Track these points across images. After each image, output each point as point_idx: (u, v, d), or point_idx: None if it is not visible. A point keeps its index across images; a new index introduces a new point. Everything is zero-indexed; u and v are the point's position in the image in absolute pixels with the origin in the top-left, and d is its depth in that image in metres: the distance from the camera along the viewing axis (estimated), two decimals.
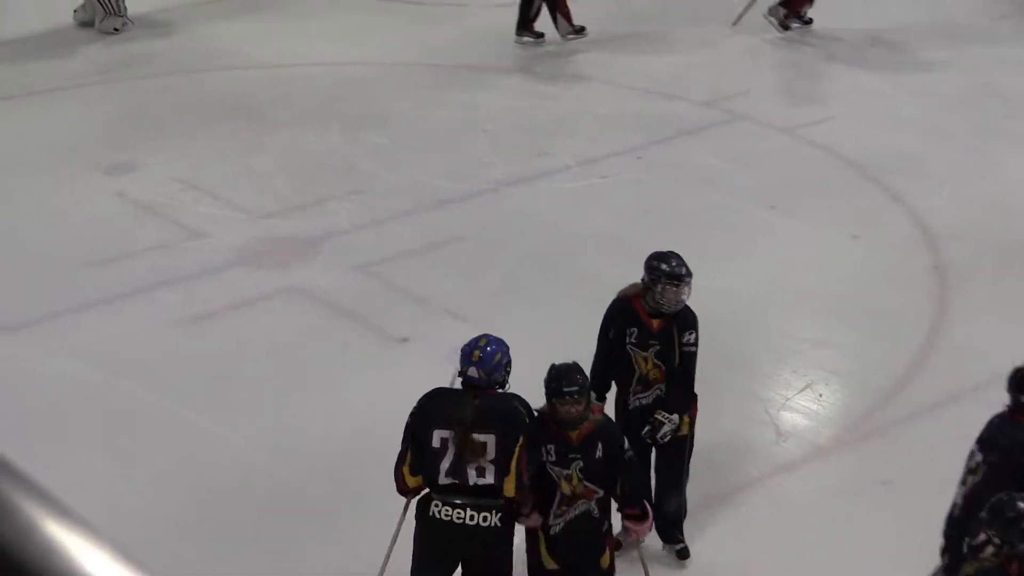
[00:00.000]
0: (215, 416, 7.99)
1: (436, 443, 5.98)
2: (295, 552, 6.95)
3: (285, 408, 8.12)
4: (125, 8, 13.99)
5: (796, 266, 9.51)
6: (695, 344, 6.66)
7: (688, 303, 6.67)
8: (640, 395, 6.72)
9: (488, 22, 14.28)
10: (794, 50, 13.57)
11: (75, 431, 7.87)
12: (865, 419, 8.10)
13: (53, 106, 12.46)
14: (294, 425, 7.95)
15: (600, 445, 6.07)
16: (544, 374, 6.08)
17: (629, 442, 6.23)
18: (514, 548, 6.13)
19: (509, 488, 5.95)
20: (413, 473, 6.04)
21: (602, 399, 6.67)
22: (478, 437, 5.95)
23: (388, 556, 6.28)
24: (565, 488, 6.08)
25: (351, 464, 7.52)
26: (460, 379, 6.16)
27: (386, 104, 12.35)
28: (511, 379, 6.14)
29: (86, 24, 14.01)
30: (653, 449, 6.76)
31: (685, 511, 6.94)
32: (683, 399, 6.72)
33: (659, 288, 6.54)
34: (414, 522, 6.11)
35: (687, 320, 6.65)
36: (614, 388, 6.85)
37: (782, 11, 13.58)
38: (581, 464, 6.04)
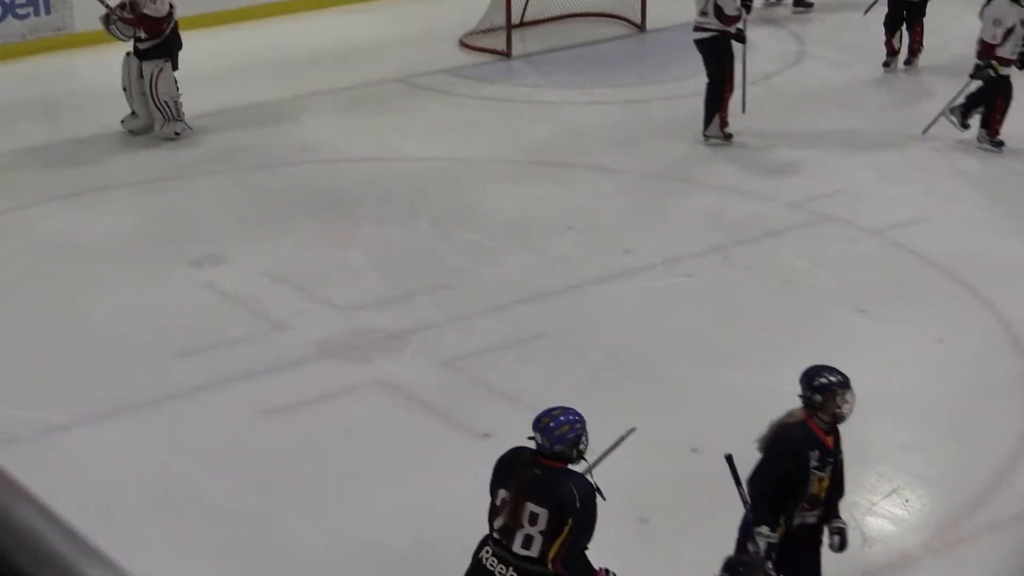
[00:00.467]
0: (297, 509, 8.02)
1: (498, 500, 6.13)
2: None
3: (367, 501, 8.13)
4: (183, 113, 13.84)
5: (882, 369, 9.41)
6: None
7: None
8: (806, 513, 6.73)
9: (576, 120, 14.41)
10: (882, 151, 13.51)
11: (159, 519, 7.93)
12: (953, 525, 7.97)
13: (144, 199, 12.67)
14: (375, 519, 7.95)
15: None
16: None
17: (795, 561, 6.60)
18: None
19: (552, 563, 6.03)
20: (489, 520, 6.20)
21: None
22: (531, 507, 6.02)
23: None
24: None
25: (431, 559, 7.50)
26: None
27: (475, 199, 12.45)
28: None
29: (136, 132, 13.82)
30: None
31: None
32: (838, 501, 6.85)
33: (838, 400, 6.63)
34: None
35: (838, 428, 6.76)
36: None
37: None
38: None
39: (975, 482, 8.28)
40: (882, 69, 15.25)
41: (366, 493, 8.22)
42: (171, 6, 13.55)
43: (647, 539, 7.76)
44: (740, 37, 13.31)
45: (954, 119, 13.35)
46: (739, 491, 6.57)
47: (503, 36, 16.37)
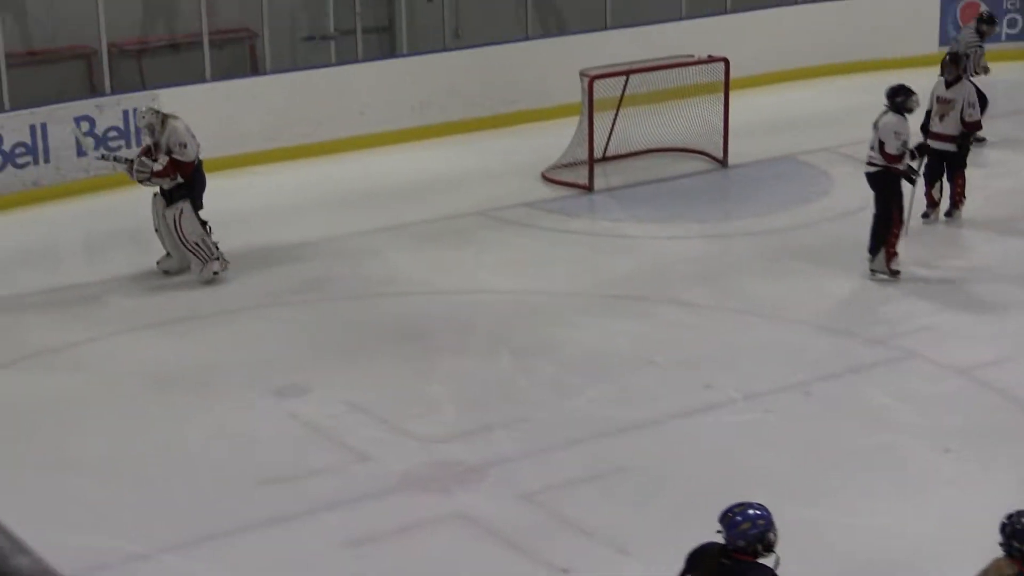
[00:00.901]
0: None
1: None
2: None
3: None
4: (219, 250, 13.67)
5: (967, 511, 9.26)
6: None
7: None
8: None
9: (657, 254, 14.46)
10: (968, 286, 13.43)
11: None
12: None
13: (227, 328, 12.82)
14: None
15: None
16: None
17: None
18: None
19: None
20: None
21: None
22: None
23: None
24: None
25: None
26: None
27: (556, 332, 12.48)
28: None
29: (171, 272, 13.74)
30: None
31: None
32: None
33: None
34: None
35: None
36: None
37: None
38: None
39: None
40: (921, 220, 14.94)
41: None
42: (198, 146, 13.58)
43: None
44: (909, 177, 13.41)
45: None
46: None
47: (585, 170, 16.50)
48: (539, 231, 15.26)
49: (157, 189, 13.68)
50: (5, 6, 16.60)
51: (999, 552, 6.87)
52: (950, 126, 14.69)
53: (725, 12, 20.45)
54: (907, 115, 13.29)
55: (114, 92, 16.82)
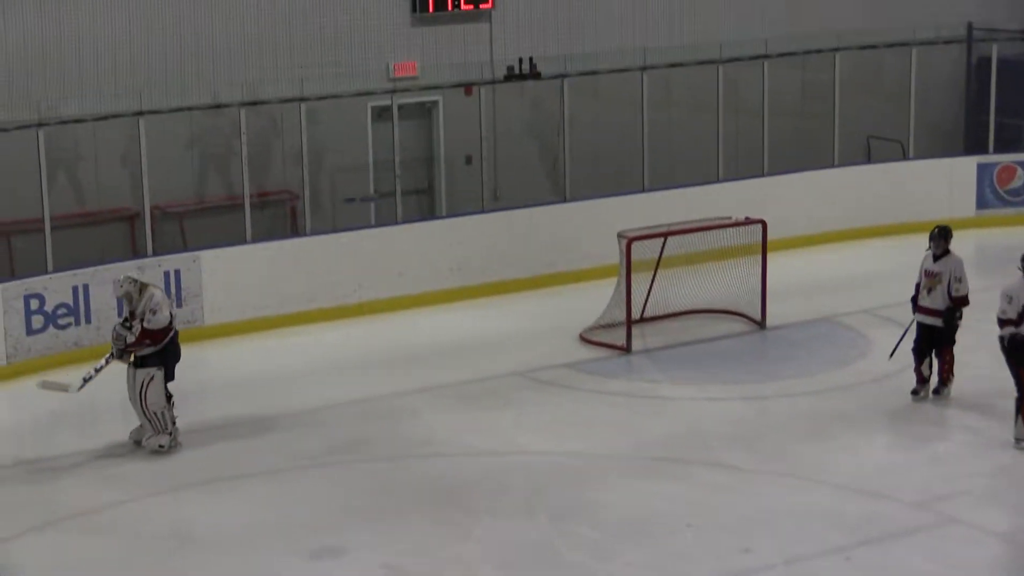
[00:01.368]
0: None
1: None
2: None
3: None
4: (174, 425, 13.50)
5: None
6: None
7: None
8: None
9: (696, 416, 14.41)
10: (1007, 452, 13.29)
11: None
12: None
13: (262, 489, 12.78)
14: None
15: None
16: None
17: None
18: None
19: None
20: None
21: None
22: None
23: None
24: None
25: None
26: None
27: (593, 495, 12.39)
28: None
29: (138, 443, 13.58)
30: None
31: None
32: None
33: None
34: None
35: None
36: None
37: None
38: None
39: None
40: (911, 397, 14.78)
41: None
42: (172, 316, 13.51)
43: None
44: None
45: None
46: None
47: (623, 331, 16.53)
48: (577, 392, 15.24)
49: (133, 358, 13.53)
50: (53, 171, 16.87)
51: None
52: (938, 300, 14.29)
53: (762, 175, 20.61)
54: None
55: (156, 254, 17.02)
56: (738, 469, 12.94)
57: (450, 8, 19.92)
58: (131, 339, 13.26)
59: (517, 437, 13.96)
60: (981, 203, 21.19)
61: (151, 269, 16.58)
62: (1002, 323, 13.02)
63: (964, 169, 21.54)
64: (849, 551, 11.13)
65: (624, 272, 16.67)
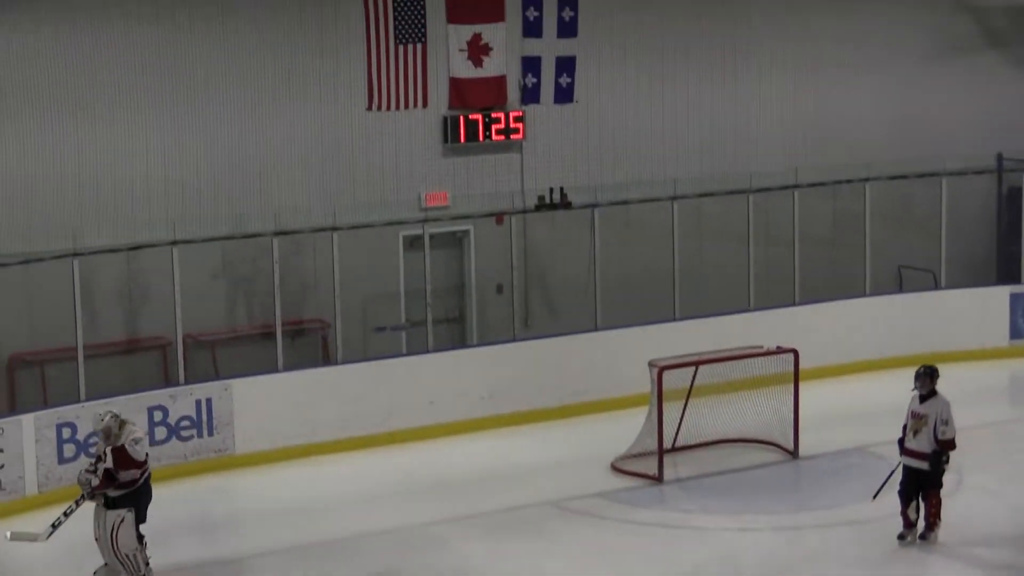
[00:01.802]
0: None
1: None
2: None
3: None
4: (148, 567, 13.19)
5: None
6: None
7: None
8: None
9: (729, 546, 14.28)
10: None
11: None
12: None
13: None
14: None
15: None
16: None
17: None
18: None
19: None
20: None
21: None
22: None
23: None
24: None
25: None
26: None
27: None
28: None
29: None
30: None
31: None
32: None
33: None
34: None
35: None
36: None
37: None
38: None
39: None
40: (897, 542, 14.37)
41: None
42: (146, 456, 13.23)
43: None
44: None
45: None
46: None
47: (655, 461, 16.43)
48: (609, 522, 15.12)
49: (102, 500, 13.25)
50: (86, 300, 16.98)
51: None
52: (923, 443, 13.95)
53: (793, 304, 20.60)
54: None
55: (188, 382, 17.06)
56: None
57: (481, 139, 20.12)
58: (95, 482, 13.07)
59: (548, 567, 13.84)
60: (1014, 333, 21.09)
61: (183, 398, 16.62)
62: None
63: (997, 299, 21.48)
64: None
65: (656, 401, 16.61)
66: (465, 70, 20.05)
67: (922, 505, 14.08)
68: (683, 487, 16.34)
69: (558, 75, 20.71)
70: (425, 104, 19.85)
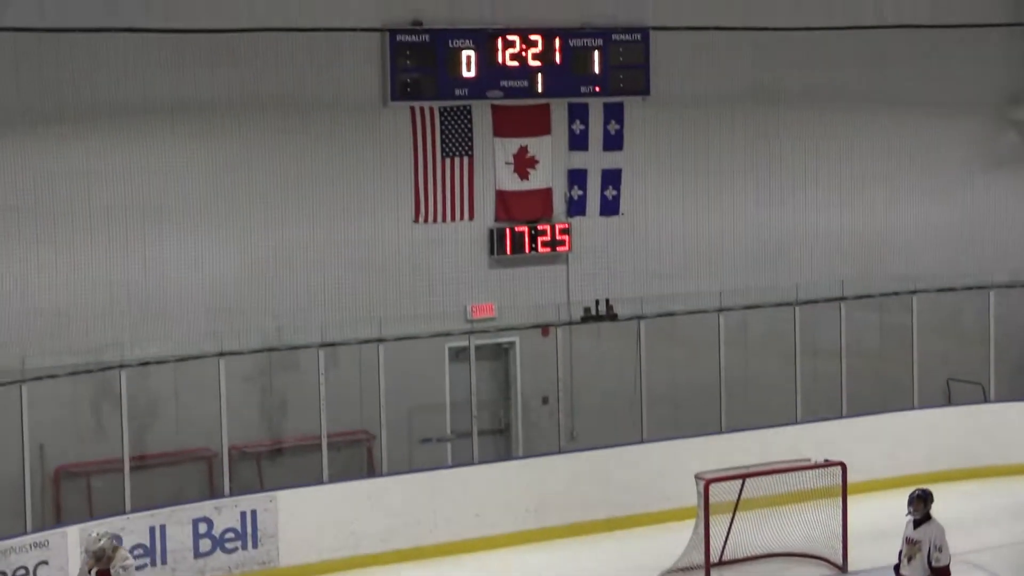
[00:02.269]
0: None
1: None
2: None
3: None
4: None
5: None
6: None
7: None
8: None
9: None
10: None
11: None
12: None
13: None
14: None
15: None
16: None
17: None
18: None
19: None
20: None
21: None
22: None
23: None
24: None
25: None
26: None
27: None
28: None
29: None
30: None
31: None
32: None
33: None
34: None
35: None
36: None
37: None
38: None
39: None
40: None
41: None
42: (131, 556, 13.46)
43: None
44: None
45: None
46: None
47: (702, 575, 16.26)
48: None
49: None
50: (133, 413, 17.03)
51: None
52: (917, 569, 13.61)
53: (841, 417, 20.44)
54: None
55: (232, 494, 17.04)
56: None
57: (527, 251, 20.21)
58: None
59: None
60: None
61: (228, 510, 16.61)
62: None
63: None
64: None
65: (702, 514, 16.48)
66: (511, 183, 20.19)
67: None
68: None
69: (604, 187, 20.83)
70: (472, 216, 19.98)
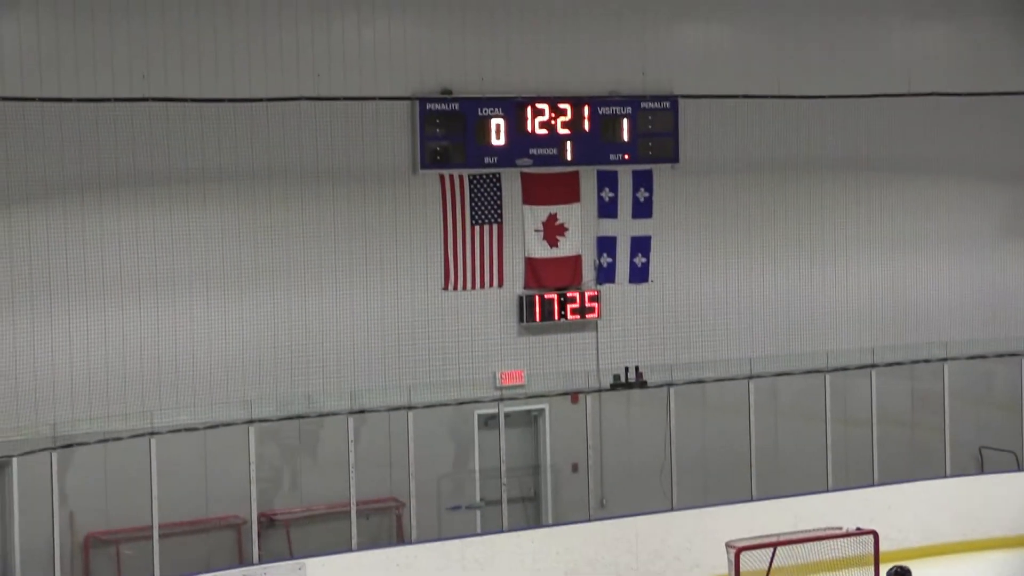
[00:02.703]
0: None
1: None
2: None
3: None
4: None
5: None
6: None
7: None
8: None
9: None
10: None
11: None
12: None
13: None
14: None
15: None
16: None
17: None
18: None
19: None
20: None
21: None
22: None
23: None
24: None
25: None
26: None
27: None
28: None
29: None
30: None
31: None
32: None
33: None
34: None
35: None
36: None
37: None
38: None
39: None
40: None
41: None
42: None
43: None
44: None
45: None
46: None
47: None
48: None
49: None
50: (163, 480, 17.03)
51: None
52: None
53: (872, 484, 20.30)
54: None
55: (262, 561, 17.01)
56: None
57: (557, 318, 20.20)
58: None
59: None
60: None
61: None
62: None
63: None
64: None
65: None
66: (541, 250, 20.23)
67: None
68: None
69: (633, 255, 20.84)
70: (501, 284, 20.02)
